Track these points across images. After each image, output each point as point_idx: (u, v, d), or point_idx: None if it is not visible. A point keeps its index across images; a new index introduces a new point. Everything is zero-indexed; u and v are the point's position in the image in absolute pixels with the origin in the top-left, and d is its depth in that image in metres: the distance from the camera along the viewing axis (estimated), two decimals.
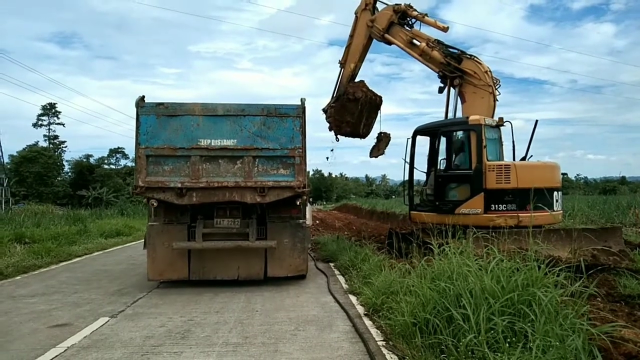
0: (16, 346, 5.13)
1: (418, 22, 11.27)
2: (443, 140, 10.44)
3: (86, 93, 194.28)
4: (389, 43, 11.58)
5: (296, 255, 8.27)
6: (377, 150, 12.95)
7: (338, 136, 12.83)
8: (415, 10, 11.23)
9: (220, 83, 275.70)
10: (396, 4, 11.36)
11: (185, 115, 7.58)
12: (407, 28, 11.36)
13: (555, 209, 9.29)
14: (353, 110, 11.98)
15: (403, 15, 11.35)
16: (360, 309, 6.50)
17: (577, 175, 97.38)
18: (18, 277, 9.43)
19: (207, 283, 8.27)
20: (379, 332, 5.46)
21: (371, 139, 12.98)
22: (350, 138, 12.80)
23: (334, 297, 7.23)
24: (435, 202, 9.96)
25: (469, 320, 4.23)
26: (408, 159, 10.93)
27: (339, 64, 12.56)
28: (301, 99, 7.88)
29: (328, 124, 12.78)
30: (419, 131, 11.00)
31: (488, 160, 9.35)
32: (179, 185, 7.52)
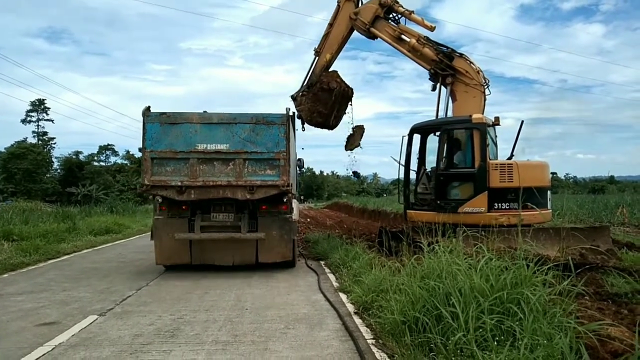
0: (2, 345, 5.08)
1: (404, 18, 11.06)
2: (443, 138, 10.18)
3: (76, 89, 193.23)
4: (374, 37, 11.36)
5: (283, 245, 9.22)
6: (352, 142, 12.75)
7: (305, 126, 12.47)
8: (402, 6, 11.06)
9: (211, 80, 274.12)
10: None
11: (185, 123, 8.51)
12: (393, 23, 11.17)
13: (548, 207, 9.43)
14: (326, 100, 11.76)
15: (389, 11, 11.17)
16: (351, 307, 6.51)
17: (567, 174, 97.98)
18: (5, 275, 9.33)
19: (197, 281, 8.36)
20: (368, 330, 5.47)
21: (340, 130, 12.76)
22: (319, 129, 12.52)
23: (324, 296, 7.24)
24: (435, 201, 9.82)
25: (458, 318, 4.25)
26: (404, 157, 10.76)
27: (314, 52, 12.20)
28: (286, 109, 8.74)
29: (297, 112, 12.21)
30: (416, 129, 10.76)
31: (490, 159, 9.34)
32: (179, 183, 8.44)
